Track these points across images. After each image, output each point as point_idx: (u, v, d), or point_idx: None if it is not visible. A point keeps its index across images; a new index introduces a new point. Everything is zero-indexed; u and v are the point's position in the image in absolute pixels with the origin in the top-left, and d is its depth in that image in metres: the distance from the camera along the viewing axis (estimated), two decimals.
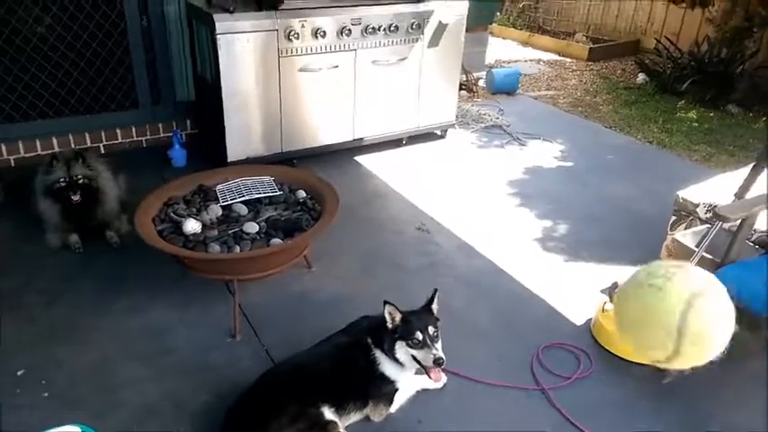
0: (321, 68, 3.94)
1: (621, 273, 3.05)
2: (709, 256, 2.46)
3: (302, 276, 2.96)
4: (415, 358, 2.07)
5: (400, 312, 2.10)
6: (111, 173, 3.28)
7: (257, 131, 3.91)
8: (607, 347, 2.52)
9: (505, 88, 5.98)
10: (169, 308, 2.72)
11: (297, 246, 2.61)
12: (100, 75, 4.12)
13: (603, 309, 2.63)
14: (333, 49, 3.94)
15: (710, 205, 2.80)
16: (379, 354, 2.12)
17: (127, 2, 4.02)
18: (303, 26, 3.76)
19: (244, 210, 2.79)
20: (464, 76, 5.53)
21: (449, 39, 4.42)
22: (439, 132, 4.84)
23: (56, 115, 4.08)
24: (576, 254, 3.29)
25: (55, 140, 4.05)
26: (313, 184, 2.98)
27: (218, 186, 2.91)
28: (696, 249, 2.49)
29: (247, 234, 2.61)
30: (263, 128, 3.92)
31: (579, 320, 2.73)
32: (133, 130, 4.31)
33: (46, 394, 2.24)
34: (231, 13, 3.56)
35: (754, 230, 2.58)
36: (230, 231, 2.62)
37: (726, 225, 2.51)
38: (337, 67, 4.00)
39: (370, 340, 2.15)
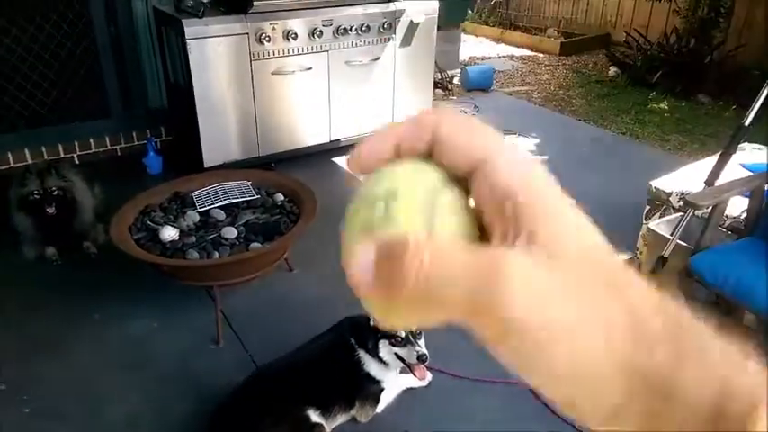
0: (294, 71, 3.94)
1: None
2: (684, 244, 2.51)
3: (284, 279, 2.95)
4: (398, 356, 2.08)
5: None
6: (86, 183, 3.24)
7: (233, 136, 3.89)
8: None
9: (480, 85, 6.02)
10: (150, 316, 2.70)
11: (276, 249, 2.61)
12: (70, 84, 4.07)
13: None
14: (305, 51, 3.94)
15: (683, 194, 2.85)
16: (363, 354, 2.12)
17: (94, 10, 3.97)
18: (274, 29, 3.74)
19: (221, 215, 2.77)
20: (438, 74, 5.56)
21: (421, 38, 4.44)
22: None
23: (27, 127, 4.01)
24: None
25: (27, 152, 3.98)
26: (291, 186, 2.97)
27: (195, 192, 2.89)
28: (670, 238, 2.54)
29: (226, 239, 2.59)
30: (238, 132, 3.90)
31: None
32: (107, 139, 4.25)
33: (27, 410, 2.21)
34: (200, 17, 3.54)
35: (726, 216, 2.63)
36: (208, 237, 2.61)
37: (698, 212, 2.57)
38: (311, 69, 4.00)
39: (353, 341, 2.15)
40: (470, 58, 7.25)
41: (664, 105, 5.64)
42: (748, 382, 0.24)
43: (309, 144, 4.24)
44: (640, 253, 3.01)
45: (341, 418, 2.12)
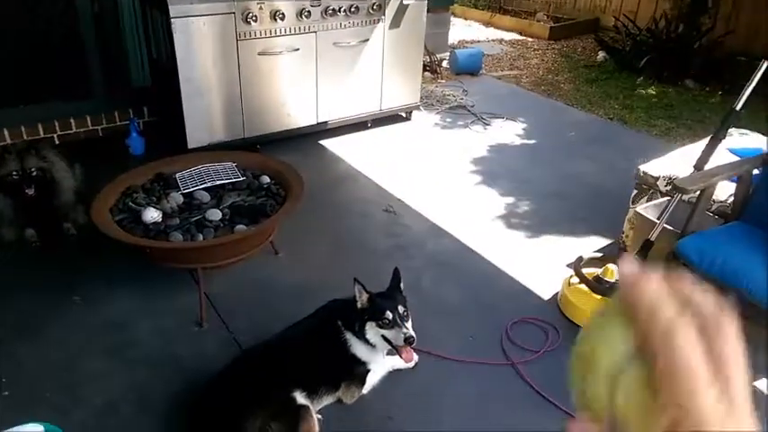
0: (281, 51, 3.87)
1: (585, 246, 3.11)
2: (670, 228, 2.51)
3: (269, 262, 2.92)
4: (385, 338, 2.06)
5: (367, 293, 2.08)
6: (67, 164, 3.16)
7: (218, 117, 3.83)
8: (573, 319, 2.57)
9: (469, 69, 5.98)
10: (132, 299, 2.66)
11: (262, 232, 2.57)
12: (51, 63, 3.97)
13: (569, 282, 2.67)
14: (292, 32, 3.87)
15: (670, 178, 2.85)
16: (349, 336, 2.11)
17: None
18: (261, 8, 3.67)
19: (206, 197, 2.72)
20: (427, 57, 5.50)
21: (410, 20, 4.39)
22: (404, 114, 4.81)
23: (6, 106, 3.91)
24: (541, 230, 3.32)
25: (6, 132, 3.89)
26: (277, 168, 2.93)
27: (179, 174, 2.84)
28: (657, 221, 2.53)
29: (210, 221, 2.55)
30: (223, 113, 3.84)
31: (546, 295, 2.76)
32: (88, 119, 4.17)
33: (6, 393, 2.17)
34: None
35: (713, 201, 2.63)
36: (192, 219, 2.56)
37: (685, 197, 2.57)
38: (298, 50, 3.94)
39: (340, 323, 2.13)
40: (459, 41, 7.20)
41: (651, 90, 5.63)
42: None
43: (296, 126, 4.19)
44: (626, 236, 3.01)
45: (327, 400, 2.10)
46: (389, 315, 2.04)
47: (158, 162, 2.96)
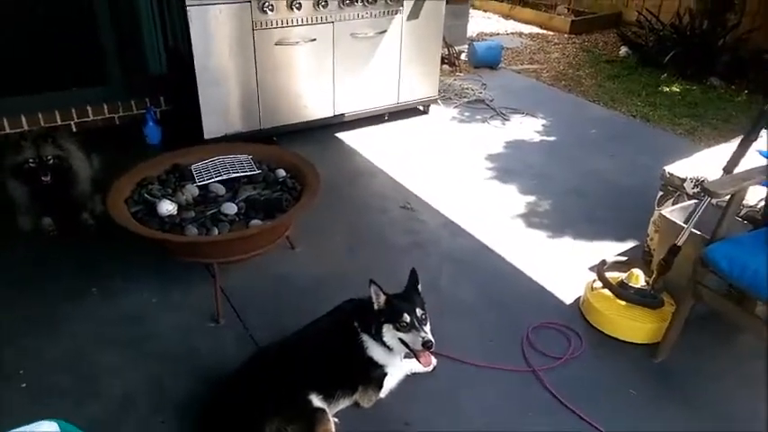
0: (298, 42, 3.82)
1: (607, 248, 3.04)
2: (698, 232, 2.43)
3: (286, 257, 2.88)
4: (403, 341, 2.01)
5: (384, 294, 2.03)
6: (83, 152, 3.14)
7: (234, 107, 3.79)
8: (597, 326, 2.50)
9: (488, 62, 5.89)
10: (149, 291, 2.64)
11: (278, 227, 2.53)
12: (67, 49, 3.94)
13: (592, 287, 2.60)
14: (309, 22, 3.81)
15: (698, 180, 2.77)
16: (366, 338, 2.05)
17: None
18: None
19: (221, 189, 2.68)
20: (446, 49, 5.42)
21: (429, 11, 4.31)
22: (421, 107, 4.74)
23: (24, 93, 3.89)
24: (561, 229, 3.25)
25: (24, 119, 3.88)
26: (293, 162, 2.88)
27: (194, 165, 2.80)
28: (684, 225, 2.46)
29: (225, 215, 2.51)
30: (240, 103, 3.79)
31: (568, 298, 2.70)
32: (105, 107, 4.14)
33: (24, 385, 2.15)
34: None
35: (743, 205, 2.55)
36: (208, 212, 2.53)
37: (714, 200, 2.49)
38: (315, 40, 3.88)
39: (356, 324, 2.08)
40: (478, 33, 7.09)
41: (675, 88, 5.51)
42: None
43: (312, 118, 4.14)
44: (651, 239, 2.94)
45: (344, 403, 2.06)
46: (407, 318, 1.98)
47: (174, 153, 2.92)
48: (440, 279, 2.78)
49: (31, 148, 2.86)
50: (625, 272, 2.58)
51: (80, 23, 3.92)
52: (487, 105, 4.95)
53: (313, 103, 4.09)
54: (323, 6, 3.79)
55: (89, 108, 4.08)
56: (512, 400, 2.17)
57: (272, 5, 3.60)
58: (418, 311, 2.01)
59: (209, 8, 3.45)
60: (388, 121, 4.52)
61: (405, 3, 4.15)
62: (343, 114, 4.27)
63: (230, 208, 2.55)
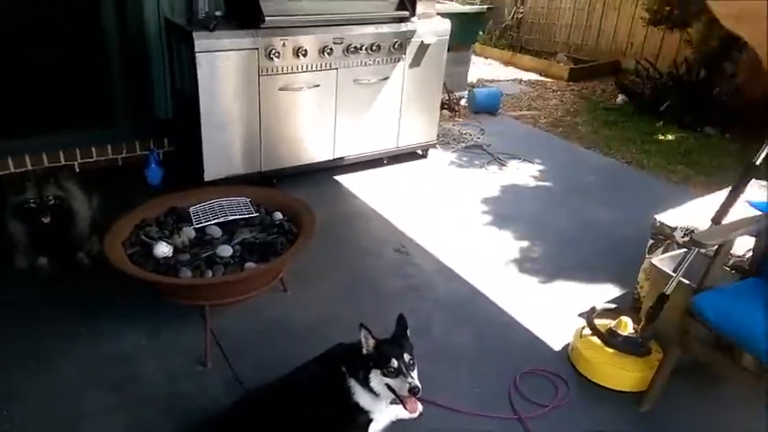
0: (302, 87, 3.92)
1: (599, 295, 3.05)
2: (686, 282, 2.45)
3: (278, 300, 2.90)
4: (390, 387, 2.02)
5: (374, 338, 2.05)
6: (84, 193, 3.20)
7: (236, 150, 3.87)
8: (584, 373, 2.50)
9: (487, 108, 6.00)
10: (139, 333, 2.65)
11: (271, 270, 2.56)
12: (76, 92, 4.05)
13: (581, 334, 2.61)
14: (314, 68, 3.92)
15: (687, 229, 2.80)
16: (353, 383, 2.06)
17: (105, 18, 3.97)
18: (284, 45, 3.73)
19: (218, 232, 2.73)
20: (446, 95, 5.54)
21: (431, 59, 4.43)
22: (420, 152, 4.82)
23: (30, 133, 3.97)
24: (553, 276, 3.27)
25: (28, 158, 3.96)
26: (290, 205, 2.93)
27: (192, 208, 2.85)
28: (673, 274, 2.48)
29: (221, 258, 2.55)
30: (241, 146, 3.87)
31: (557, 345, 2.70)
32: (109, 148, 4.23)
33: (7, 427, 2.15)
34: (211, 31, 3.53)
35: (731, 255, 2.58)
36: (203, 255, 2.56)
37: (703, 250, 2.51)
38: (318, 86, 3.98)
39: (344, 369, 2.09)
40: (479, 79, 7.24)
41: (670, 136, 5.59)
42: None
43: (313, 161, 4.22)
44: (641, 287, 2.95)
45: None
46: (395, 363, 1.99)
47: (173, 195, 2.98)
48: (432, 324, 2.79)
49: (33, 188, 2.92)
50: (614, 319, 2.59)
51: (92, 66, 4.04)
52: (485, 150, 5.03)
53: (314, 146, 4.17)
54: (328, 54, 3.91)
55: (93, 149, 4.16)
56: None
57: (278, 52, 3.72)
58: (406, 357, 2.02)
59: (217, 55, 3.56)
60: (387, 164, 4.60)
61: (407, 51, 4.27)
62: (342, 158, 4.35)
63: (226, 250, 2.58)
